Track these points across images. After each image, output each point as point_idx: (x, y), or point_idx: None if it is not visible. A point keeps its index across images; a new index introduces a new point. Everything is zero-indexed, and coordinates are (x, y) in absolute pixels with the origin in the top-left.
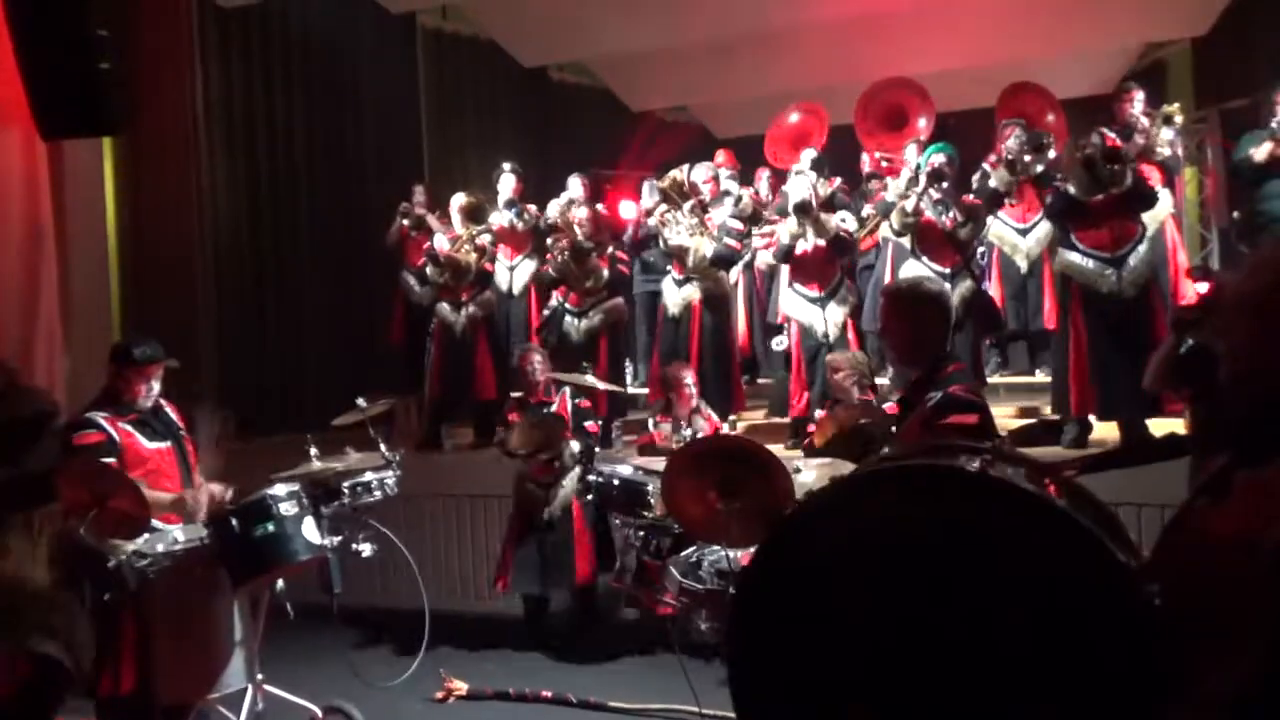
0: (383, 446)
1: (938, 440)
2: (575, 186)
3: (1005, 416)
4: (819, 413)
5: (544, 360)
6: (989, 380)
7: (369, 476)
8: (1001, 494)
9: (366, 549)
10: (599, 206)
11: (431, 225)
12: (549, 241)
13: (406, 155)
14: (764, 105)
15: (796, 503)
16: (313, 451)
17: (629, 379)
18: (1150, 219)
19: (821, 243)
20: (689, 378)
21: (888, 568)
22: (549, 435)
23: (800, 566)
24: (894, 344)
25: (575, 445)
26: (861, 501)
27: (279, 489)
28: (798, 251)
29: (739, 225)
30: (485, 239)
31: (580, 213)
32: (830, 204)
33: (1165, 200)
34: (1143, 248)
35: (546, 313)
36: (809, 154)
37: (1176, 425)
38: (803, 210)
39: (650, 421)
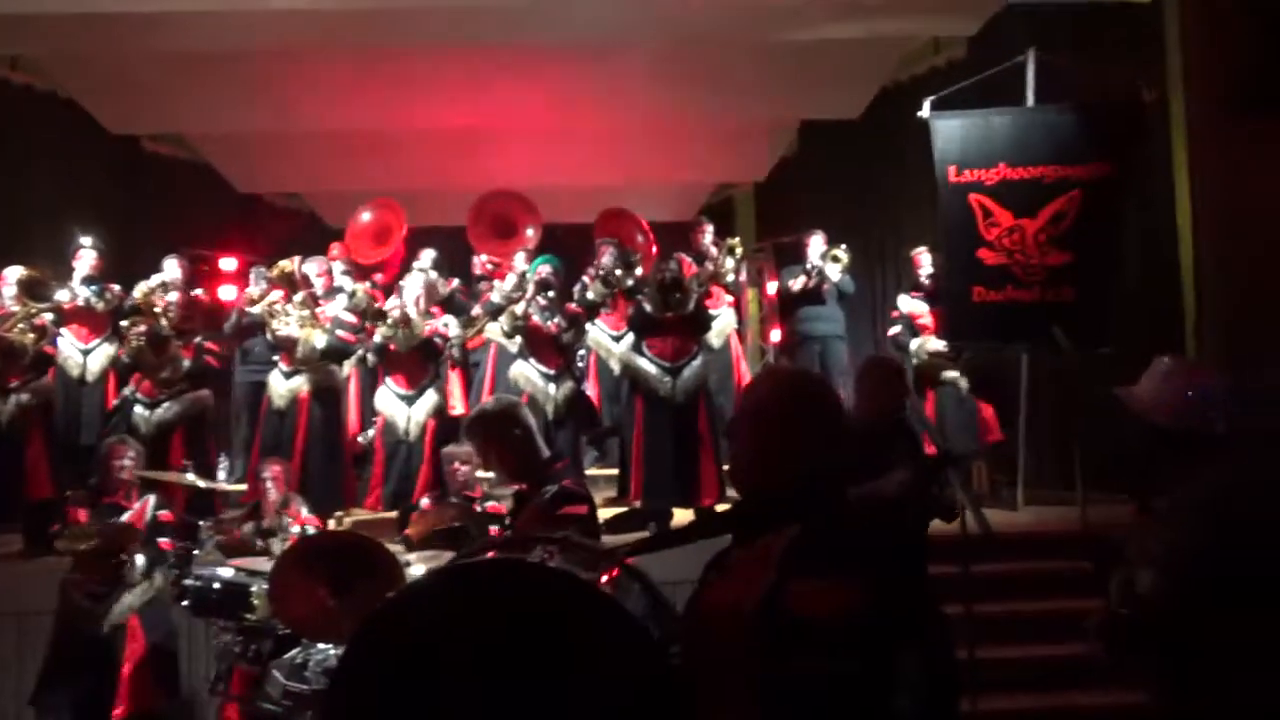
0: None
1: (525, 532)
2: (172, 269)
3: (601, 506)
4: (424, 503)
5: (137, 458)
6: (587, 472)
7: None
8: (555, 581)
9: None
10: (198, 291)
11: None
12: (124, 325)
13: None
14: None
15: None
16: None
17: (224, 474)
18: (718, 334)
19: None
20: (272, 472)
21: (465, 656)
22: (112, 539)
23: (390, 659)
24: (500, 472)
25: (141, 559)
26: (442, 593)
27: None
28: (391, 349)
29: (353, 319)
30: (47, 318)
31: (172, 297)
32: (450, 303)
33: (730, 318)
34: (696, 363)
35: (116, 402)
36: (429, 254)
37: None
38: (396, 318)
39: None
